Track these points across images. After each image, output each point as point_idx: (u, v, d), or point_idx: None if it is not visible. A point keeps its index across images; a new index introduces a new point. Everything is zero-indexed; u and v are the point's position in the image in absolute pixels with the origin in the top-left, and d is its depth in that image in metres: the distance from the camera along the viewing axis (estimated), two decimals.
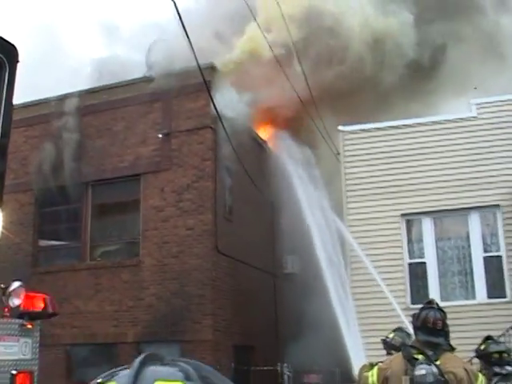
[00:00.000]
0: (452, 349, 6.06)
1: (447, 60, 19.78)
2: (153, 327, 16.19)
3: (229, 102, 16.51)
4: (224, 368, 15.87)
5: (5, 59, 5.97)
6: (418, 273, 15.07)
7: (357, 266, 15.00)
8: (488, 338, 7.15)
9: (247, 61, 18.27)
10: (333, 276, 15.29)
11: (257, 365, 17.19)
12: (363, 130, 16.07)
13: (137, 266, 16.97)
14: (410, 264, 15.21)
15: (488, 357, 6.87)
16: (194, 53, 12.88)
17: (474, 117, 15.70)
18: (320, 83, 18.06)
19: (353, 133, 16.07)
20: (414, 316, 6.15)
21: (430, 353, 5.83)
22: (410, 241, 15.53)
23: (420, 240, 15.48)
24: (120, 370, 2.90)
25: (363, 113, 17.98)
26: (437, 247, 15.34)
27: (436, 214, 15.37)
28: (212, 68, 16.98)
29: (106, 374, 2.90)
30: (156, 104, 17.65)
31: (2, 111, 5.94)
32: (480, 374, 5.95)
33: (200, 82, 14.45)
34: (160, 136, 17.42)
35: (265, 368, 16.62)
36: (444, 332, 6.05)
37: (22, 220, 18.03)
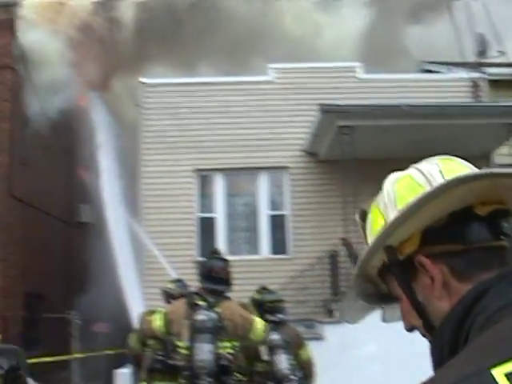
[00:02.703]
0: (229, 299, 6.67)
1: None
2: None
3: (34, 42, 16.12)
4: (14, 315, 15.79)
5: None
6: (207, 227, 15.63)
7: (149, 218, 15.31)
8: (262, 288, 7.80)
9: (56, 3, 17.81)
10: (118, 227, 15.52)
11: (47, 312, 17.18)
12: (164, 84, 16.22)
13: None
14: (201, 218, 15.77)
15: (262, 305, 7.49)
16: None
17: (270, 81, 16.43)
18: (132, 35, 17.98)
19: (154, 86, 16.16)
20: (199, 265, 6.64)
21: (211, 300, 6.39)
22: (201, 196, 15.96)
23: (211, 195, 16.01)
24: None
25: (170, 66, 18.07)
26: (227, 203, 15.98)
27: (228, 172, 15.92)
28: (17, 5, 16.44)
29: None
30: None
31: None
32: (256, 319, 6.59)
33: (3, 18, 14.05)
34: None
35: (54, 316, 16.67)
36: (227, 280, 6.63)
37: None
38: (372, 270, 1.42)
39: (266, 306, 7.43)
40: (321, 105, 13.76)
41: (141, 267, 15.01)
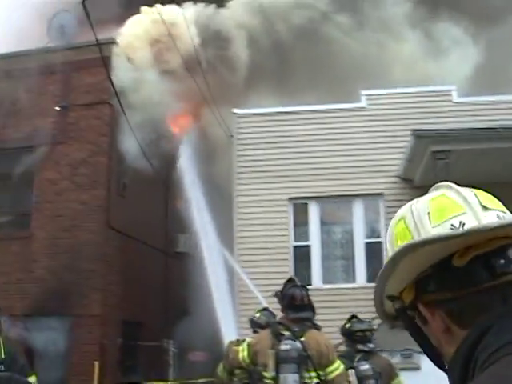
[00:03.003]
0: (317, 327, 6.55)
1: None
2: (42, 300, 16.16)
3: (128, 78, 16.62)
4: (112, 342, 16.10)
5: None
6: (302, 256, 15.56)
7: (244, 247, 15.38)
8: (353, 316, 7.66)
9: (148, 39, 18.31)
10: (211, 256, 15.65)
11: (144, 341, 17.45)
12: (257, 114, 16.36)
13: (28, 238, 16.87)
14: (295, 247, 15.70)
15: (352, 335, 7.36)
16: (93, 27, 12.98)
17: (363, 107, 16.30)
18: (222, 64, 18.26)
19: (247, 116, 16.33)
20: (278, 295, 6.58)
21: (296, 329, 6.29)
22: (296, 224, 15.92)
23: (306, 224, 15.93)
24: None
25: (263, 96, 18.22)
26: (321, 231, 15.87)
27: (322, 200, 15.81)
28: (112, 43, 17.06)
29: None
30: (55, 76, 17.47)
31: None
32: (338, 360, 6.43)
33: (99, 56, 14.56)
34: (58, 109, 17.35)
35: (151, 344, 16.90)
36: (310, 306, 6.54)
37: None
38: (392, 310, 1.42)
39: (355, 335, 7.31)
40: (414, 130, 13.50)
41: (235, 296, 15.06)
